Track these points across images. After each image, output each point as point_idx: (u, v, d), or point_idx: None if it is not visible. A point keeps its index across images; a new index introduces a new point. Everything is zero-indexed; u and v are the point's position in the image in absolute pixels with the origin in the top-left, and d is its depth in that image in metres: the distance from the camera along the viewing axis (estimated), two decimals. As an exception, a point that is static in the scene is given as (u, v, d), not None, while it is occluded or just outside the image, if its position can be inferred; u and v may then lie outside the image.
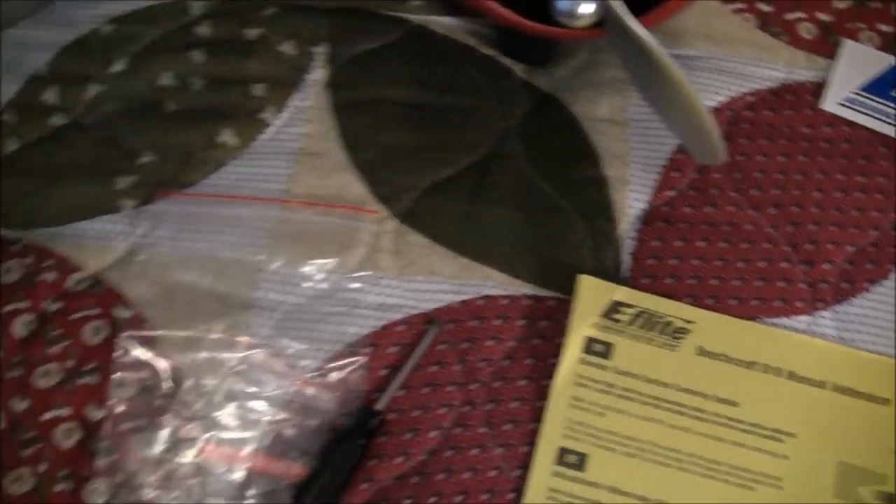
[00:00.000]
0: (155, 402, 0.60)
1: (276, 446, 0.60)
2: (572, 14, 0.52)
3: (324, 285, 0.63)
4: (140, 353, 0.61)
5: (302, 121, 0.67)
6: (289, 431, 0.60)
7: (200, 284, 0.63)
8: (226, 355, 0.61)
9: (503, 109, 0.68)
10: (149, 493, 0.59)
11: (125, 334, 0.61)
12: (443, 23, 0.71)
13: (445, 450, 0.60)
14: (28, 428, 0.60)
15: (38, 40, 0.70)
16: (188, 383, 0.60)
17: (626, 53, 0.56)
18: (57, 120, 0.68)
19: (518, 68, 0.70)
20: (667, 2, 0.56)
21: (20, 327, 0.62)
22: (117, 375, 0.61)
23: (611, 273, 0.64)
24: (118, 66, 0.69)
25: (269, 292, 0.63)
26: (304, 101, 0.68)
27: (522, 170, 0.66)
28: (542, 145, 0.67)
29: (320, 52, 0.69)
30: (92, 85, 0.69)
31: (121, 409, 0.60)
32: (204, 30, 0.70)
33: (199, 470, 0.59)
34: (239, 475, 0.59)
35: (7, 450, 0.60)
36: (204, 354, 0.61)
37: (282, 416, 0.60)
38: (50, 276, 0.63)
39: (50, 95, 0.68)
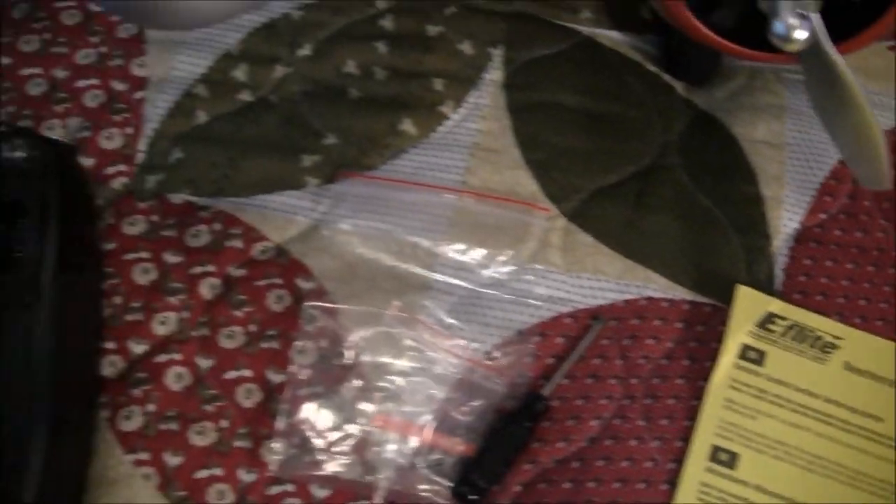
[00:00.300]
0: (333, 372, 0.62)
1: (445, 423, 0.61)
2: (787, 38, 0.54)
3: (497, 274, 0.64)
4: (322, 323, 0.62)
5: (478, 117, 0.68)
6: (457, 410, 0.61)
7: (380, 263, 0.64)
8: (401, 332, 0.62)
9: (664, 124, 0.70)
10: (322, 458, 0.60)
11: (308, 304, 0.63)
12: (610, 36, 0.72)
13: (605, 438, 0.61)
14: (211, 385, 0.61)
15: (230, 21, 0.71)
16: (365, 356, 0.62)
17: (814, 74, 0.58)
18: (245, 96, 0.69)
19: (678, 86, 0.71)
20: (863, 33, 0.58)
21: (207, 289, 0.64)
22: (299, 343, 0.62)
23: (764, 286, 0.65)
24: (305, 51, 0.70)
25: (446, 276, 0.64)
26: (481, 99, 0.69)
27: (682, 182, 0.68)
28: (701, 160, 0.69)
29: (497, 53, 0.71)
30: (280, 66, 0.70)
31: (301, 375, 0.61)
32: (387, 23, 0.71)
33: (372, 439, 0.60)
34: (409, 448, 0.60)
35: (192, 403, 0.61)
36: (381, 330, 0.62)
37: (451, 394, 0.61)
38: (236, 244, 0.65)
39: (239, 73, 0.70)
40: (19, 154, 0.59)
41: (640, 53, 0.72)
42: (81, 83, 0.69)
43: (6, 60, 0.70)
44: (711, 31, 0.58)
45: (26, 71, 0.70)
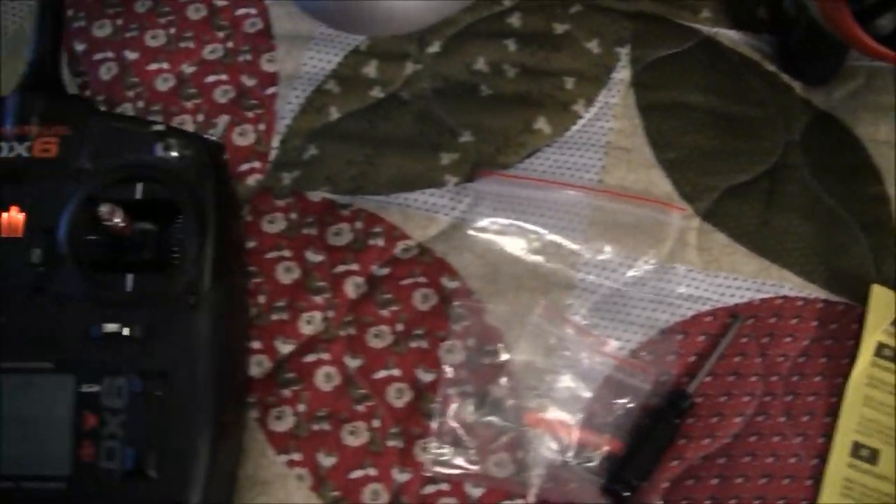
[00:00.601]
0: (483, 371, 0.60)
1: (593, 420, 0.60)
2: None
3: (638, 273, 0.63)
4: (469, 322, 0.61)
5: (610, 116, 0.67)
6: (605, 407, 0.60)
7: (523, 261, 0.62)
8: (548, 331, 0.61)
9: (785, 123, 0.68)
10: (475, 457, 0.58)
11: (456, 303, 0.61)
12: (730, 36, 0.70)
13: (749, 435, 0.60)
14: (361, 384, 0.60)
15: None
16: (513, 355, 0.60)
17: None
18: (376, 93, 0.67)
19: (797, 85, 0.70)
20: None
21: (351, 288, 0.62)
22: (447, 342, 0.61)
23: (893, 284, 0.65)
24: (434, 48, 0.68)
25: (589, 275, 0.62)
26: (611, 98, 0.67)
27: (806, 182, 0.66)
28: (824, 160, 0.67)
29: (624, 52, 0.69)
30: (409, 63, 0.68)
31: (451, 374, 0.60)
32: (515, 21, 0.69)
33: (523, 438, 0.59)
34: (559, 446, 0.59)
35: (343, 403, 0.59)
36: (529, 328, 0.61)
37: (599, 392, 0.60)
38: (379, 242, 0.63)
39: (370, 69, 0.68)
40: (172, 153, 0.57)
41: (758, 53, 0.70)
42: (210, 78, 0.67)
43: (133, 55, 0.68)
44: (872, 40, 0.57)
45: (153, 66, 0.68)
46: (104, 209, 0.53)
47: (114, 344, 0.54)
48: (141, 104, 0.66)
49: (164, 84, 0.67)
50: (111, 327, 0.54)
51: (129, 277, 0.54)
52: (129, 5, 0.69)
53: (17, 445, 0.54)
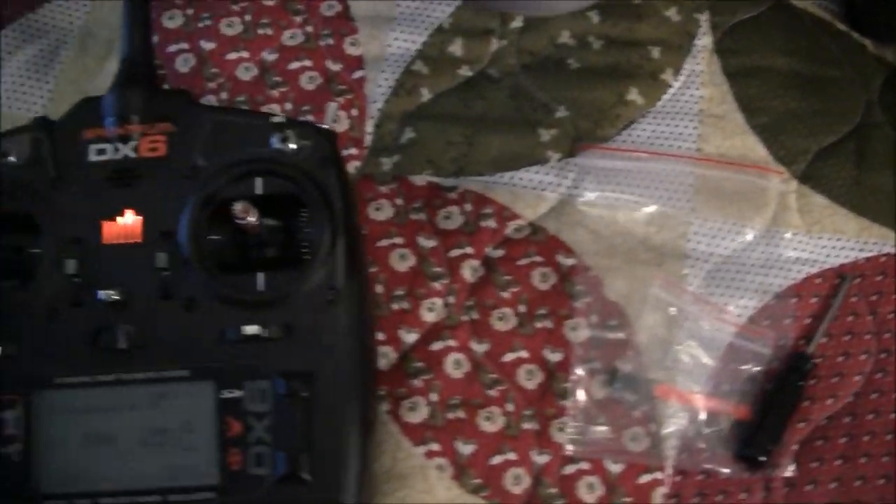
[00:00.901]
0: (609, 346, 0.59)
1: (719, 388, 0.59)
2: None
3: (747, 239, 0.62)
4: (591, 298, 0.59)
5: (699, 84, 0.65)
6: (729, 374, 0.59)
7: (634, 234, 0.61)
8: (668, 302, 0.60)
9: (862, 82, 0.67)
10: (611, 434, 0.57)
11: (575, 280, 0.59)
12: (799, -4, 0.70)
13: (870, 393, 0.60)
14: (491, 369, 0.58)
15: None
16: (637, 329, 0.59)
17: None
18: (465, 71, 0.64)
19: (868, 43, 0.69)
20: None
21: (468, 272, 0.59)
22: (572, 321, 0.59)
23: None
24: (517, 23, 0.66)
25: (700, 244, 0.61)
26: (697, 66, 0.66)
27: (892, 139, 0.66)
28: (903, 117, 0.67)
29: (703, 18, 0.67)
30: (494, 39, 0.65)
31: (579, 352, 0.58)
32: None
33: (655, 411, 0.58)
34: (689, 415, 0.58)
35: (475, 389, 0.57)
36: (649, 302, 0.60)
37: (722, 360, 0.59)
38: (490, 223, 0.60)
39: (455, 48, 0.65)
40: (290, 145, 0.54)
41: (828, 13, 0.69)
42: (294, 65, 0.64)
43: (209, 45, 0.64)
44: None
45: (232, 55, 0.64)
46: (238, 207, 0.50)
47: (252, 346, 0.51)
48: (225, 95, 0.62)
49: (246, 73, 0.63)
50: (248, 329, 0.51)
51: (260, 277, 0.51)
52: (201, -3, 0.65)
53: (161, 458, 0.51)
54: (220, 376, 0.51)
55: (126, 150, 0.53)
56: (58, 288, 0.52)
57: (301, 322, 0.51)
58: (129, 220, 0.52)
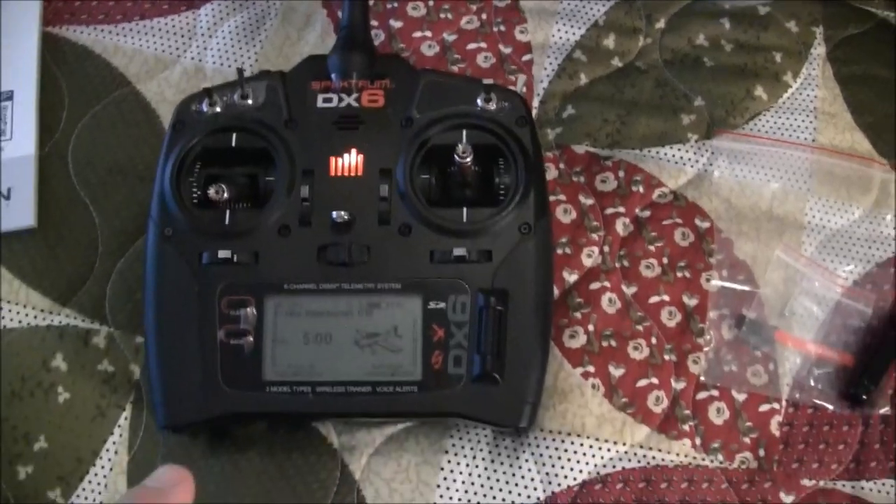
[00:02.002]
0: (737, 297, 0.71)
1: (828, 338, 0.71)
2: None
3: (855, 216, 0.74)
4: (722, 256, 0.72)
5: (814, 86, 0.78)
6: (836, 327, 0.71)
7: (760, 206, 0.74)
8: (787, 264, 0.72)
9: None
10: (732, 366, 0.70)
11: (713, 240, 0.72)
12: (898, 18, 0.83)
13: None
14: (639, 308, 0.71)
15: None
16: (761, 284, 0.72)
17: None
18: (616, 62, 0.78)
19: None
20: None
21: (621, 228, 0.72)
22: (706, 273, 0.72)
23: None
24: (660, 24, 0.79)
25: (815, 217, 0.73)
26: (813, 71, 0.79)
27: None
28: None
29: (818, 31, 0.80)
30: (640, 36, 0.79)
31: (712, 300, 0.71)
32: (725, 3, 0.81)
33: (773, 352, 0.70)
34: (802, 359, 0.70)
35: (625, 323, 0.70)
36: (772, 262, 0.72)
37: (831, 315, 0.72)
38: (639, 189, 0.73)
39: (609, 42, 0.78)
40: (492, 105, 0.67)
41: (924, 33, 0.83)
42: (471, 46, 0.77)
43: (397, 24, 0.77)
44: None
45: (418, 34, 0.77)
46: (460, 148, 0.63)
47: (456, 266, 0.63)
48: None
49: (429, 50, 0.76)
50: (456, 251, 0.63)
51: (465, 210, 0.64)
52: (383, -21, 0.78)
53: (371, 357, 0.62)
54: (428, 290, 0.63)
55: (349, 100, 0.66)
56: (290, 210, 0.64)
57: (498, 249, 0.63)
58: (353, 157, 0.65)
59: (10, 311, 0.67)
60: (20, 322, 0.67)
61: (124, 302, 0.67)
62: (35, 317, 0.67)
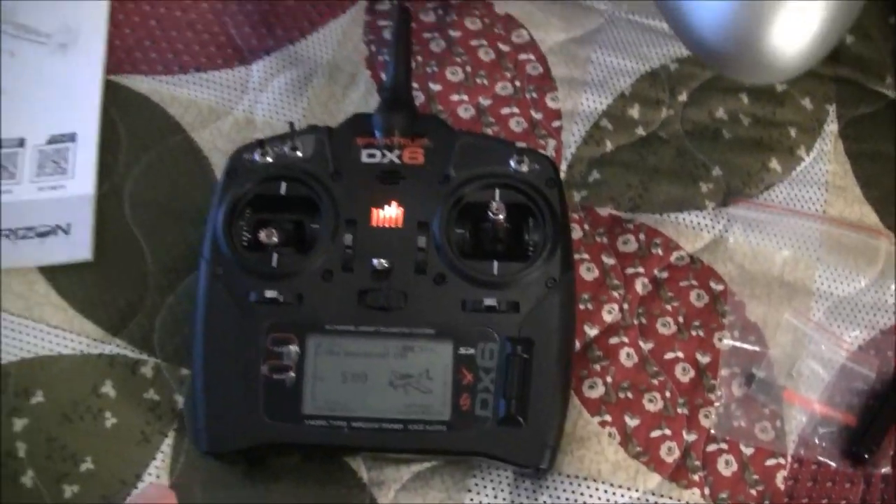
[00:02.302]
0: (747, 356, 0.76)
1: (833, 398, 0.75)
2: None
3: (861, 285, 0.79)
4: (734, 317, 0.77)
5: (826, 161, 0.83)
6: (841, 389, 0.76)
7: (771, 272, 0.79)
8: (796, 327, 0.77)
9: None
10: (741, 421, 0.74)
11: (726, 302, 0.77)
12: (907, 100, 0.89)
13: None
14: (654, 363, 0.75)
15: (622, 67, 0.86)
16: (770, 345, 0.76)
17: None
18: (640, 131, 0.83)
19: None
20: None
21: (640, 287, 0.77)
22: (718, 333, 0.76)
23: None
24: (682, 97, 0.85)
25: (823, 285, 0.78)
26: (825, 146, 0.84)
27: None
28: None
29: (831, 109, 0.85)
30: (664, 108, 0.85)
31: (723, 358, 0.76)
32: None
33: (779, 409, 0.75)
34: (807, 417, 0.75)
35: (641, 376, 0.74)
36: (781, 325, 0.77)
37: (835, 377, 0.76)
38: (658, 251, 0.78)
39: (634, 111, 0.84)
40: (524, 167, 0.72)
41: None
42: (504, 111, 0.82)
43: (436, 87, 0.83)
44: None
45: (455, 97, 0.83)
46: (494, 205, 0.68)
47: (485, 315, 0.68)
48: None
49: (465, 113, 0.82)
50: (486, 302, 0.68)
51: (495, 264, 0.69)
52: (425, 45, 0.84)
53: (405, 396, 0.66)
54: (459, 336, 0.67)
55: (392, 157, 0.71)
56: (334, 256, 0.69)
57: (525, 301, 0.68)
58: (394, 210, 0.70)
59: (64, 338, 0.72)
60: (73, 349, 0.71)
61: (172, 335, 0.72)
62: (87, 345, 0.72)
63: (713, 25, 0.64)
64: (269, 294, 0.67)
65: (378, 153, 0.71)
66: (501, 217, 0.67)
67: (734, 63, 0.65)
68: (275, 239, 0.67)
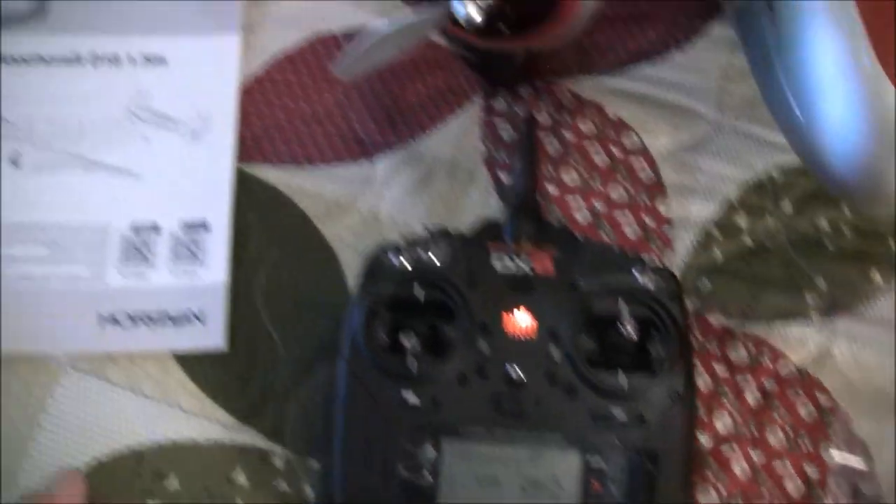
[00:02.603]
0: (854, 472, 0.79)
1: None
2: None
3: None
4: (841, 432, 0.80)
5: (921, 274, 0.87)
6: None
7: (882, 387, 0.82)
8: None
9: None
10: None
11: (833, 417, 0.80)
12: None
13: None
14: (765, 475, 0.78)
15: (728, 175, 0.89)
16: (877, 461, 0.79)
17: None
18: (747, 240, 0.87)
19: None
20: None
21: (750, 398, 0.80)
22: (827, 443, 0.80)
23: None
24: (787, 207, 0.89)
25: None
26: (918, 261, 0.88)
27: None
28: None
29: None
30: (769, 217, 0.88)
31: (831, 471, 0.79)
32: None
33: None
34: None
35: (753, 488, 0.77)
36: (886, 442, 0.80)
37: None
38: (767, 362, 0.81)
39: (741, 220, 0.87)
40: (648, 280, 0.75)
41: None
42: (618, 216, 0.86)
43: (554, 190, 0.86)
44: None
45: (571, 201, 0.86)
46: (626, 323, 0.72)
47: (613, 427, 0.71)
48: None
49: (582, 217, 0.85)
50: (613, 412, 0.71)
51: (622, 376, 0.72)
52: (542, 148, 0.88)
53: (531, 500, 0.70)
54: (587, 446, 0.71)
55: (524, 265, 0.74)
56: (469, 362, 0.72)
57: (650, 414, 0.71)
58: (526, 319, 0.73)
59: (198, 424, 0.74)
60: (207, 437, 0.74)
61: (301, 427, 0.75)
62: (220, 433, 0.74)
63: (849, 162, 0.68)
64: (408, 397, 0.69)
65: (509, 261, 0.74)
66: (634, 333, 0.70)
67: (868, 199, 0.68)
68: (415, 343, 0.70)
